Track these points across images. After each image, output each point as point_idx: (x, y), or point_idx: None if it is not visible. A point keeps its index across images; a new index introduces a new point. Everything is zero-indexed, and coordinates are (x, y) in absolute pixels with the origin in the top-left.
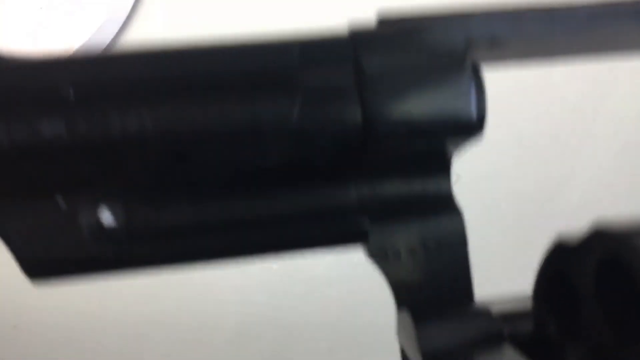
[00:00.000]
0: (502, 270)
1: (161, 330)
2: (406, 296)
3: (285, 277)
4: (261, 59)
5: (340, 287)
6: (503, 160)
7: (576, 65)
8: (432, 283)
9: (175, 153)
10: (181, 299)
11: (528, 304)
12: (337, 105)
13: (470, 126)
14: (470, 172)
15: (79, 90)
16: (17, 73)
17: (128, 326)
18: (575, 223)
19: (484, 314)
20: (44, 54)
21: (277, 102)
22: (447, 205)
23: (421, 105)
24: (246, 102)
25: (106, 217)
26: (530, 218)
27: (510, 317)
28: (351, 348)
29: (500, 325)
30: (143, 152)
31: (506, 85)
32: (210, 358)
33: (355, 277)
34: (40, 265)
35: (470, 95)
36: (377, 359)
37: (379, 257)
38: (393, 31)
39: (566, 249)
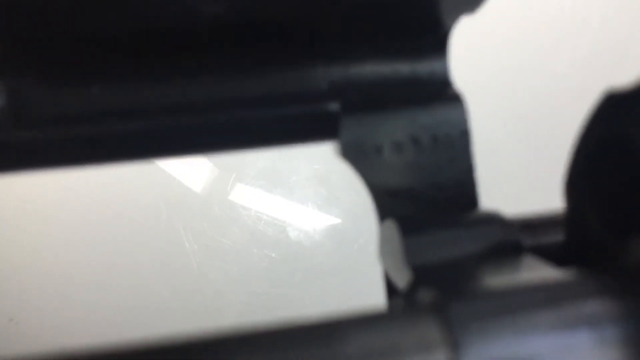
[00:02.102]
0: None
1: (161, 321)
2: (391, 203)
3: (284, 267)
4: None
5: (339, 276)
6: (504, 156)
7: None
8: (425, 185)
9: (64, 6)
10: (181, 291)
11: (555, 216)
12: None
13: None
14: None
15: None
16: None
17: (127, 318)
18: None
19: (495, 220)
20: None
21: None
22: (443, 91)
23: None
24: None
25: None
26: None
27: (533, 226)
28: None
29: (516, 234)
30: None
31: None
32: None
33: (355, 265)
34: None
35: None
36: None
37: (355, 153)
38: None
39: (623, 99)
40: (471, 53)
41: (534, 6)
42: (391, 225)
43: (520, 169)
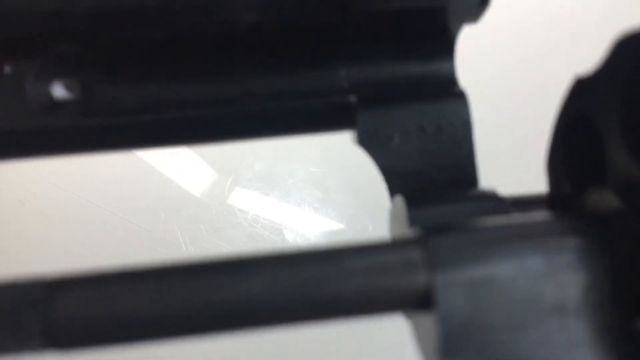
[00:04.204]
0: None
1: None
2: (400, 183)
3: None
4: None
5: None
6: (503, 156)
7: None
8: (429, 168)
9: (130, 16)
10: None
11: (541, 195)
12: None
13: None
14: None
15: None
16: None
17: None
18: None
19: (489, 197)
20: None
21: None
22: (448, 88)
23: None
24: None
25: (58, 89)
26: None
27: (522, 203)
28: (346, 337)
29: (508, 208)
30: (95, 10)
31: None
32: (208, 349)
33: None
34: None
35: None
36: (372, 345)
37: (369, 141)
38: None
39: (586, 82)
40: (473, 53)
41: (534, 7)
42: (399, 200)
43: (518, 168)
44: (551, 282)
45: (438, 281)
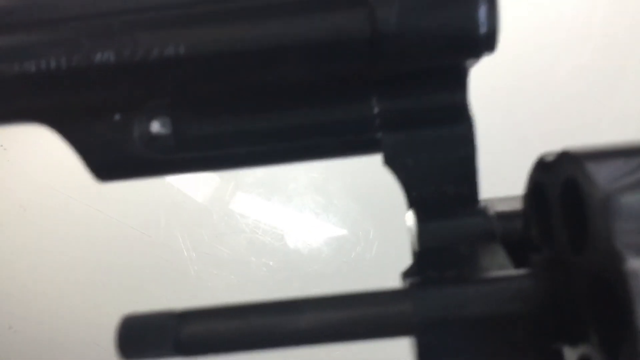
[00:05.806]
0: None
1: None
2: (415, 197)
3: (282, 275)
4: None
5: (336, 284)
6: (506, 160)
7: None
8: (438, 185)
9: (204, 74)
10: (179, 298)
11: (516, 210)
12: (347, 16)
13: (478, 41)
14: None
15: (122, 20)
16: (70, 5)
17: None
18: None
19: (481, 214)
20: None
21: (293, 18)
22: (460, 115)
23: (428, 17)
24: (267, 19)
25: (155, 128)
26: None
27: (505, 216)
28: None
29: (494, 225)
30: (179, 74)
31: (510, 83)
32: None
33: (352, 273)
34: (104, 168)
35: (479, 8)
36: (373, 353)
37: (393, 162)
38: None
39: (544, 165)
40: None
41: (538, 13)
42: (411, 213)
43: (521, 173)
44: (497, 319)
45: (418, 319)
